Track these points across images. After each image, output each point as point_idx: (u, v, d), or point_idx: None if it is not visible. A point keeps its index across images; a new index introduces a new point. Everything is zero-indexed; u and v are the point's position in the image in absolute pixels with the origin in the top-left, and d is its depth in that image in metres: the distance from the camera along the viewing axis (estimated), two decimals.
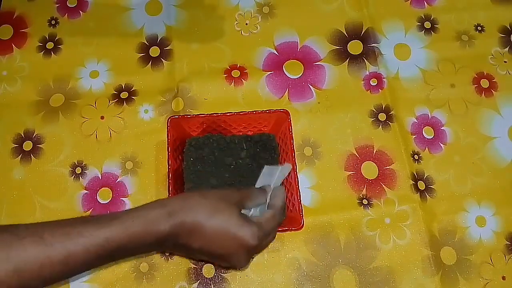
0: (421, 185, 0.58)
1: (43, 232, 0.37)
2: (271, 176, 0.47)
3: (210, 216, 0.41)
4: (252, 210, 0.45)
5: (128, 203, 0.56)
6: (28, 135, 0.59)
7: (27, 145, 0.58)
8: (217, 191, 0.44)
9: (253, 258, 0.44)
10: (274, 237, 0.46)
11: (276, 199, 0.46)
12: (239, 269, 0.44)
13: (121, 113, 0.60)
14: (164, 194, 0.55)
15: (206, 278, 0.53)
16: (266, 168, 0.46)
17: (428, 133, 0.61)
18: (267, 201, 0.46)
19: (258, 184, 0.47)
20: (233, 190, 0.45)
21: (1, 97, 0.61)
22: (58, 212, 0.55)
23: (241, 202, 0.43)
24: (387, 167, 0.59)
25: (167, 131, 0.54)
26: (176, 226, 0.40)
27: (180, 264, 0.53)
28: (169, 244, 0.41)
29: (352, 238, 0.55)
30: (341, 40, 0.66)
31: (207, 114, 0.55)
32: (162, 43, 0.65)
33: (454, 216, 0.56)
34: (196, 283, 0.52)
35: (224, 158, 0.55)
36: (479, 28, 0.67)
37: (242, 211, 0.43)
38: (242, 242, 0.41)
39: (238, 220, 0.41)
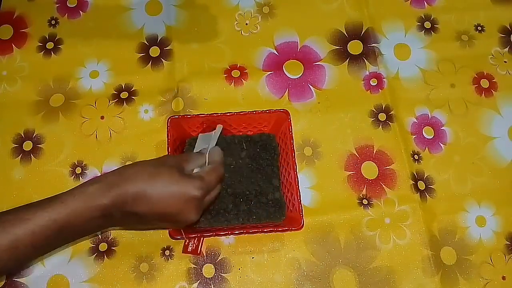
0: (421, 185, 0.58)
1: None
2: (206, 141, 0.49)
3: (151, 180, 0.42)
4: (196, 170, 0.46)
5: None
6: (28, 135, 0.59)
7: (27, 145, 0.58)
8: (153, 159, 0.46)
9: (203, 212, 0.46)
10: (218, 193, 0.48)
11: (214, 156, 0.48)
12: (192, 225, 0.45)
13: (121, 113, 0.60)
14: None
15: (206, 278, 0.53)
16: (200, 136, 0.49)
17: (428, 133, 0.61)
18: (206, 161, 0.47)
19: (195, 150, 0.49)
20: (170, 156, 0.46)
21: (1, 97, 0.61)
22: None
23: (179, 165, 0.45)
24: (387, 167, 0.59)
25: (167, 131, 0.54)
26: (118, 196, 0.41)
27: (180, 264, 0.53)
28: (117, 215, 0.42)
29: (352, 238, 0.55)
30: (341, 40, 0.66)
31: (207, 114, 0.55)
32: (162, 43, 0.65)
33: (454, 216, 0.56)
34: (196, 283, 0.52)
35: (224, 158, 0.55)
36: (479, 28, 0.67)
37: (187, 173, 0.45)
38: (187, 195, 0.42)
39: (179, 177, 0.43)
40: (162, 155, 0.46)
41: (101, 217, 0.41)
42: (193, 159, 0.47)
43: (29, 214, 0.39)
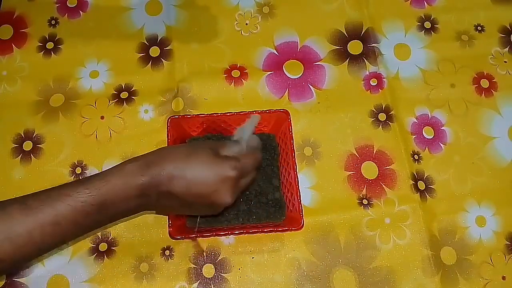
0: (421, 185, 0.58)
1: (27, 199, 0.39)
2: (243, 131, 0.48)
3: (187, 160, 0.42)
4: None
5: None
6: (28, 135, 0.59)
7: (27, 145, 0.58)
8: (189, 143, 0.46)
9: (238, 196, 0.46)
10: (255, 177, 0.48)
11: (252, 142, 0.48)
12: (225, 206, 0.45)
13: (121, 113, 0.60)
14: None
15: (206, 278, 0.53)
16: (237, 129, 0.49)
17: (428, 133, 0.61)
18: (244, 147, 0.47)
19: (234, 138, 0.49)
20: (206, 141, 0.47)
21: (1, 97, 0.61)
22: None
23: (216, 148, 0.45)
24: (387, 167, 0.59)
25: (167, 131, 0.54)
26: (156, 175, 0.41)
27: (180, 264, 0.53)
28: (153, 194, 0.42)
29: (352, 238, 0.55)
30: (341, 40, 0.66)
31: (207, 114, 0.55)
32: (162, 43, 0.65)
33: (454, 216, 0.56)
34: (196, 283, 0.52)
35: None
36: (479, 28, 0.67)
37: None
38: (223, 175, 0.42)
39: (214, 157, 0.43)
40: (200, 140, 0.47)
41: (139, 196, 0.42)
42: (230, 145, 0.47)
43: (70, 190, 0.40)
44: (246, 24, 0.66)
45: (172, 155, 0.43)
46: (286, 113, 0.55)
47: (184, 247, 0.54)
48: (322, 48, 0.65)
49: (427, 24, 0.67)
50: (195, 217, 0.51)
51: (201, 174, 0.42)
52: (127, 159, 0.44)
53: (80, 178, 0.57)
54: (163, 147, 0.45)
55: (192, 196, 0.43)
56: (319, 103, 0.62)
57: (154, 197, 0.42)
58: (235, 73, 0.63)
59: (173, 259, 0.53)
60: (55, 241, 0.40)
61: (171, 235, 0.50)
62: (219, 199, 0.43)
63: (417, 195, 0.57)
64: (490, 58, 0.65)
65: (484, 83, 0.64)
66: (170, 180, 0.42)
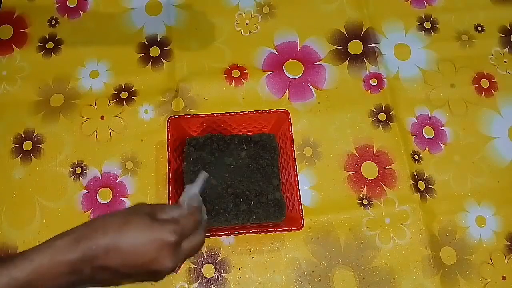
0: (421, 185, 0.58)
1: None
2: (191, 191, 0.46)
3: (120, 231, 0.39)
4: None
5: (128, 203, 0.56)
6: (28, 135, 0.59)
7: (27, 145, 0.58)
8: (125, 208, 0.43)
9: (182, 261, 0.43)
10: (202, 241, 0.44)
11: (192, 202, 0.45)
12: (168, 274, 0.42)
13: (121, 113, 0.60)
14: (164, 194, 0.55)
15: (206, 278, 0.53)
16: (186, 187, 0.46)
17: (428, 133, 0.61)
18: (185, 207, 0.45)
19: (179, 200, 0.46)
20: (143, 204, 0.43)
21: (1, 97, 0.61)
22: (58, 212, 0.55)
23: (153, 213, 0.42)
24: (387, 167, 0.59)
25: (167, 131, 0.54)
26: (88, 250, 0.38)
27: None
28: (87, 270, 0.39)
29: (352, 238, 0.55)
30: (341, 40, 0.66)
31: (207, 114, 0.55)
32: (162, 43, 0.65)
33: (454, 216, 0.56)
34: (196, 283, 0.52)
35: (224, 158, 0.55)
36: (479, 28, 0.67)
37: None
38: (160, 241, 0.40)
39: (150, 224, 0.40)
40: (136, 204, 0.43)
41: (69, 273, 0.38)
42: (169, 209, 0.44)
43: None
44: (246, 24, 0.66)
45: (105, 226, 0.39)
46: (286, 113, 0.55)
47: None
48: (322, 48, 0.65)
49: (427, 24, 0.67)
50: None
51: (137, 243, 0.39)
52: (57, 234, 0.40)
53: (79, 181, 0.56)
54: (95, 218, 0.41)
55: (130, 267, 0.40)
56: (319, 103, 0.62)
57: (88, 272, 0.39)
58: (235, 73, 0.63)
59: None
60: None
61: None
62: (160, 266, 0.40)
63: (417, 195, 0.57)
64: (490, 58, 0.65)
65: (484, 83, 0.64)
66: (106, 253, 0.38)
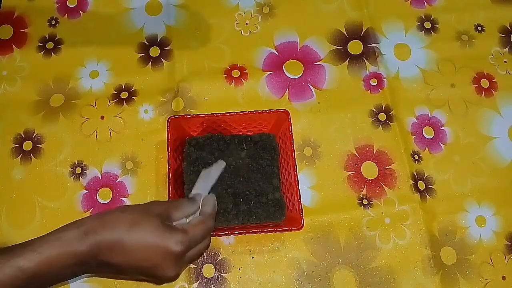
0: (421, 185, 0.58)
1: None
2: (207, 180, 0.46)
3: (129, 230, 0.39)
4: (184, 220, 0.44)
5: (128, 203, 0.56)
6: (28, 135, 0.59)
7: (27, 145, 0.58)
8: (139, 204, 0.43)
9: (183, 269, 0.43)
10: (208, 245, 0.45)
11: (206, 207, 0.45)
12: (169, 281, 0.42)
13: (121, 113, 0.60)
14: (164, 194, 0.55)
15: (206, 278, 0.53)
16: (202, 173, 0.46)
17: (428, 133, 0.61)
18: (199, 209, 0.44)
19: (194, 190, 0.46)
20: (158, 202, 0.43)
21: (1, 97, 0.61)
22: (58, 212, 0.55)
23: (166, 213, 0.42)
24: (387, 167, 0.59)
25: (167, 131, 0.54)
26: (95, 244, 0.39)
27: None
28: (92, 263, 0.39)
29: (352, 238, 0.55)
30: (341, 40, 0.66)
31: (207, 114, 0.55)
32: (162, 43, 0.65)
33: (454, 216, 0.56)
34: (196, 283, 0.52)
35: (224, 158, 0.55)
36: (479, 28, 0.67)
37: (174, 223, 0.42)
38: (166, 250, 0.39)
39: (159, 229, 0.40)
40: (152, 201, 0.43)
41: (76, 265, 0.39)
42: (183, 207, 0.44)
43: None
44: (246, 24, 0.66)
45: (115, 222, 0.40)
46: (286, 113, 0.55)
47: None
48: (322, 48, 0.65)
49: (427, 24, 0.67)
50: None
51: (142, 246, 0.39)
52: (65, 224, 0.40)
53: (79, 181, 0.57)
54: (107, 211, 0.42)
55: (131, 268, 0.40)
56: (319, 103, 0.62)
57: (94, 265, 0.40)
58: (235, 73, 0.63)
59: None
60: None
61: None
62: (161, 273, 0.40)
63: (417, 195, 0.57)
64: (490, 58, 0.65)
65: (484, 83, 0.64)
66: (109, 250, 0.39)
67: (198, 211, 0.44)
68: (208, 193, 0.47)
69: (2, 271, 0.36)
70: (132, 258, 0.40)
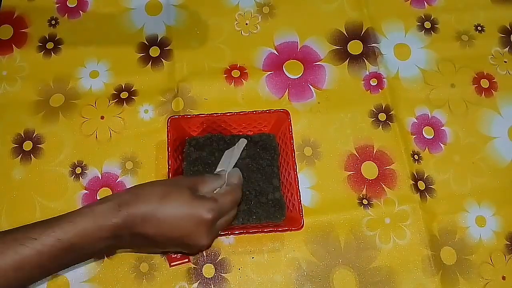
0: (421, 185, 0.58)
1: None
2: (230, 158, 0.48)
3: (160, 202, 0.41)
4: (212, 192, 0.45)
5: None
6: (28, 135, 0.59)
7: (27, 145, 0.58)
8: (167, 179, 0.44)
9: (217, 236, 0.44)
10: (235, 212, 0.46)
11: (232, 178, 0.47)
12: (202, 250, 0.43)
13: (121, 113, 0.60)
14: None
15: (206, 278, 0.53)
16: (225, 153, 0.48)
17: (428, 133, 0.61)
18: (225, 183, 0.46)
19: (218, 168, 0.48)
20: (185, 177, 0.45)
21: (1, 97, 0.61)
22: (58, 212, 0.54)
23: (194, 187, 0.44)
24: (387, 167, 0.59)
25: (167, 131, 0.54)
26: (128, 216, 0.40)
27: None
28: (126, 235, 0.41)
29: (352, 238, 0.55)
30: (341, 40, 0.66)
31: (207, 114, 0.55)
32: (162, 43, 0.65)
33: (454, 216, 0.56)
34: (196, 283, 0.52)
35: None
36: (479, 28, 0.67)
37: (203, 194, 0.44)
38: (198, 218, 0.41)
39: (190, 199, 0.41)
40: (178, 176, 0.44)
41: (110, 238, 0.40)
42: (210, 181, 0.45)
43: (36, 234, 0.38)
44: (246, 24, 0.66)
45: (146, 195, 0.41)
46: (286, 113, 0.55)
47: None
48: (322, 48, 0.65)
49: (427, 24, 0.67)
50: None
51: (175, 216, 0.41)
52: (100, 198, 0.42)
53: (79, 181, 0.57)
54: (137, 185, 0.44)
55: (166, 238, 0.42)
56: (319, 103, 0.62)
57: (127, 238, 0.41)
58: (235, 73, 0.63)
59: None
60: (16, 285, 0.38)
61: None
62: (194, 241, 0.42)
63: (417, 195, 0.57)
64: (490, 58, 0.65)
65: (484, 83, 0.64)
66: (143, 221, 0.40)
67: (225, 184, 0.46)
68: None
69: (41, 241, 0.37)
70: (165, 228, 0.41)
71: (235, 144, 0.56)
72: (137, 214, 0.40)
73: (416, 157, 0.59)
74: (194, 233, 0.41)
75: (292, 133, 0.54)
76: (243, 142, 0.51)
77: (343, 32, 0.66)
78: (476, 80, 0.64)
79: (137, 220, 0.40)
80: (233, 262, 0.54)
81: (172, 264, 0.52)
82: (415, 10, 0.68)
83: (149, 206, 0.40)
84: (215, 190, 0.45)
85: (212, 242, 0.43)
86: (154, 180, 0.44)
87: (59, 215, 0.40)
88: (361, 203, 0.57)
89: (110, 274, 0.52)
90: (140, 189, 0.43)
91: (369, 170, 0.58)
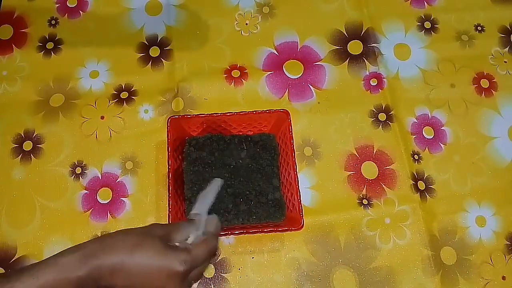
0: (421, 185, 0.58)
1: None
2: (205, 200, 0.46)
3: (130, 253, 0.38)
4: (186, 241, 0.43)
5: (128, 203, 0.56)
6: (28, 135, 0.59)
7: (27, 145, 0.58)
8: (140, 227, 0.42)
9: None
10: (208, 265, 0.44)
11: (209, 227, 0.44)
12: None
13: (121, 113, 0.60)
14: (164, 194, 0.55)
15: (206, 278, 0.53)
16: (200, 195, 0.47)
17: (428, 133, 0.61)
18: (202, 230, 0.44)
19: (193, 211, 0.46)
20: (158, 225, 0.43)
21: (1, 97, 0.61)
22: (58, 212, 0.55)
23: (167, 236, 0.42)
24: (387, 167, 0.59)
25: (167, 131, 0.54)
26: (95, 268, 0.38)
27: None
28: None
29: (352, 238, 0.55)
30: (341, 40, 0.66)
31: (207, 114, 0.55)
32: (162, 43, 0.65)
33: (454, 216, 0.56)
34: (196, 283, 0.52)
35: (224, 158, 0.55)
36: (479, 28, 0.67)
37: (176, 244, 0.42)
38: (169, 270, 0.39)
39: (162, 250, 0.39)
40: (151, 224, 0.42)
41: None
42: (183, 228, 0.43)
43: None
44: (246, 24, 0.66)
45: (115, 245, 0.39)
46: (286, 113, 0.55)
47: None
48: (322, 48, 0.65)
49: (427, 24, 0.67)
50: None
51: (145, 268, 0.38)
52: (64, 249, 0.39)
53: (79, 181, 0.57)
54: (106, 234, 0.41)
55: None
56: (319, 103, 0.62)
57: None
58: (235, 73, 0.63)
59: None
60: None
61: None
62: None
63: (417, 195, 0.57)
64: (490, 58, 0.65)
65: (484, 83, 0.64)
66: (112, 274, 0.38)
67: (202, 231, 0.44)
68: (208, 213, 0.46)
69: None
70: (135, 281, 0.39)
71: (235, 144, 0.56)
72: (104, 265, 0.38)
73: (416, 157, 0.59)
74: (165, 286, 0.39)
75: (292, 133, 0.54)
76: (217, 182, 0.49)
77: (343, 32, 0.66)
78: (476, 80, 0.64)
79: (104, 272, 0.38)
80: (233, 262, 0.54)
81: None
82: (415, 10, 0.68)
83: (118, 257, 0.38)
84: (188, 236, 0.43)
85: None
86: (125, 228, 0.42)
87: (22, 267, 0.38)
88: (361, 203, 0.57)
89: None
90: (109, 238, 0.40)
91: (369, 170, 0.58)
